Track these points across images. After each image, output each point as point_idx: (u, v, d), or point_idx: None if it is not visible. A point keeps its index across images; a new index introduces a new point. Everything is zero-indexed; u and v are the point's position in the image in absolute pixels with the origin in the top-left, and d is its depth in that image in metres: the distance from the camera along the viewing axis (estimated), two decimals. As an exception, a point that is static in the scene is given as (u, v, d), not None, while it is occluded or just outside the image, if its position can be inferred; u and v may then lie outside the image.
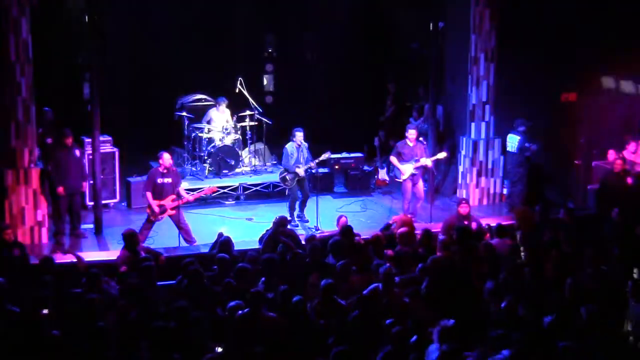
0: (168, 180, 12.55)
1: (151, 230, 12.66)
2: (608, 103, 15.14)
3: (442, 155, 14.16)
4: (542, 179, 14.87)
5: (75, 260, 10.72)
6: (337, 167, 15.77)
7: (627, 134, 14.76)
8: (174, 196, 12.50)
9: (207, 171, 15.44)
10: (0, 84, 12.46)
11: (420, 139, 14.08)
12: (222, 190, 15.02)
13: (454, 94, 15.68)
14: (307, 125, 14.20)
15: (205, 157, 15.52)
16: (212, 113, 15.75)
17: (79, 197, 13.34)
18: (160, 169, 12.59)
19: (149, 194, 12.54)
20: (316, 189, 13.89)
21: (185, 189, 13.24)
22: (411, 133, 13.91)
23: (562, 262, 9.91)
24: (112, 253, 11.69)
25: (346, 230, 10.98)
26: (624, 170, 13.40)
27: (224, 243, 10.83)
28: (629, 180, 13.34)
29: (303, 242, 11.29)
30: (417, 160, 13.74)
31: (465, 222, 11.88)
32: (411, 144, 13.86)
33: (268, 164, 16.17)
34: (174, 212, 12.54)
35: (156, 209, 12.44)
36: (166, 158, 12.59)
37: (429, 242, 10.87)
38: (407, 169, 13.75)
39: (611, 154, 14.56)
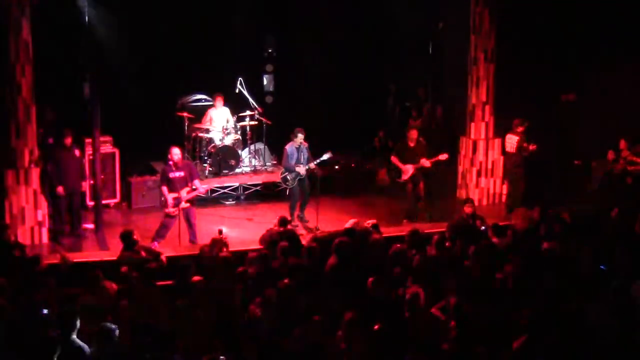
0: (180, 174, 12.57)
1: (171, 227, 12.61)
2: (608, 103, 15.14)
3: (443, 156, 14.16)
4: (541, 179, 14.87)
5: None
6: (337, 167, 15.77)
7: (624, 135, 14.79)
8: (188, 188, 12.51)
9: (207, 171, 15.45)
10: (1, 84, 12.46)
11: (420, 139, 14.09)
12: (222, 190, 15.02)
13: (454, 94, 15.69)
14: (307, 125, 14.19)
15: (205, 157, 15.53)
16: (212, 113, 15.76)
17: (78, 197, 13.36)
18: (171, 164, 12.60)
19: (164, 189, 12.56)
20: (316, 189, 13.89)
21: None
22: (412, 133, 13.92)
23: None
24: (112, 253, 11.69)
25: (350, 232, 10.97)
26: (624, 170, 13.40)
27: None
28: (629, 180, 13.35)
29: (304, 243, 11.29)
30: (418, 161, 13.75)
31: (470, 222, 11.89)
32: (412, 144, 13.87)
33: (268, 164, 16.18)
34: (188, 205, 12.54)
35: (171, 202, 12.45)
36: (174, 152, 12.59)
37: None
38: (408, 170, 13.76)
39: (611, 154, 14.58)
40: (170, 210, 12.51)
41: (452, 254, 10.37)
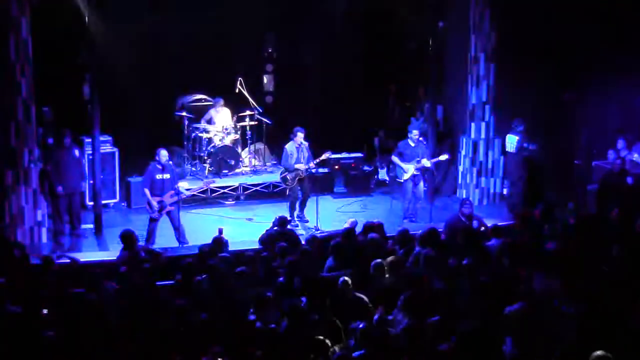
0: (167, 176, 12.55)
1: (157, 230, 12.60)
2: (608, 103, 15.14)
3: (443, 157, 14.16)
4: (542, 179, 14.86)
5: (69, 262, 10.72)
6: (337, 167, 15.77)
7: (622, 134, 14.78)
8: (172, 192, 12.50)
9: (207, 171, 15.45)
10: (0, 84, 12.45)
11: (421, 139, 14.08)
12: (222, 190, 15.02)
13: (454, 94, 15.68)
14: (307, 125, 14.19)
15: (205, 157, 15.53)
16: (212, 112, 15.78)
17: (78, 197, 13.35)
18: (158, 166, 12.58)
19: (146, 190, 12.53)
20: (316, 189, 13.89)
21: (185, 189, 13.23)
22: (414, 133, 13.91)
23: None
24: (112, 253, 11.69)
25: (348, 232, 10.96)
26: (623, 170, 13.41)
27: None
28: (629, 180, 13.35)
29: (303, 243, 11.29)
30: (419, 161, 13.74)
31: (468, 222, 11.88)
32: (413, 144, 13.86)
33: (268, 164, 16.17)
34: (172, 208, 12.52)
35: (155, 205, 12.44)
36: (162, 154, 12.58)
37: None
38: (408, 169, 13.76)
39: (611, 154, 14.56)
40: (155, 215, 12.49)
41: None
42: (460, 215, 12.05)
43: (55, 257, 10.69)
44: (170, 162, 12.64)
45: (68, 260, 10.73)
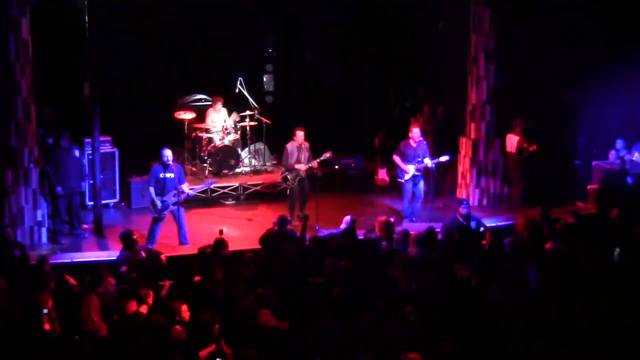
0: (170, 175, 12.54)
1: (159, 230, 12.60)
2: (608, 103, 15.15)
3: (444, 158, 14.15)
4: (542, 179, 14.86)
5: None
6: (337, 167, 15.76)
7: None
8: (175, 192, 12.49)
9: (207, 171, 15.45)
10: (0, 84, 12.44)
11: (421, 138, 14.07)
12: (222, 190, 15.02)
13: (454, 94, 15.68)
14: (307, 125, 14.19)
15: (205, 157, 15.53)
16: (212, 113, 15.78)
17: (78, 197, 13.35)
18: (163, 165, 12.58)
19: (151, 189, 12.53)
20: (316, 189, 13.88)
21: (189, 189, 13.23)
22: (415, 133, 13.91)
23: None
24: (112, 253, 11.69)
25: (348, 232, 10.97)
26: (623, 170, 13.42)
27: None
28: (629, 180, 13.36)
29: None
30: (420, 161, 13.74)
31: (465, 223, 11.88)
32: (414, 144, 13.86)
33: (268, 164, 16.17)
34: (175, 207, 12.52)
35: (158, 205, 12.43)
36: (166, 154, 12.56)
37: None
38: (409, 169, 13.75)
39: (611, 154, 14.57)
40: (157, 214, 12.49)
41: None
42: (457, 215, 12.05)
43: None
44: (170, 162, 12.61)
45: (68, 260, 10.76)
